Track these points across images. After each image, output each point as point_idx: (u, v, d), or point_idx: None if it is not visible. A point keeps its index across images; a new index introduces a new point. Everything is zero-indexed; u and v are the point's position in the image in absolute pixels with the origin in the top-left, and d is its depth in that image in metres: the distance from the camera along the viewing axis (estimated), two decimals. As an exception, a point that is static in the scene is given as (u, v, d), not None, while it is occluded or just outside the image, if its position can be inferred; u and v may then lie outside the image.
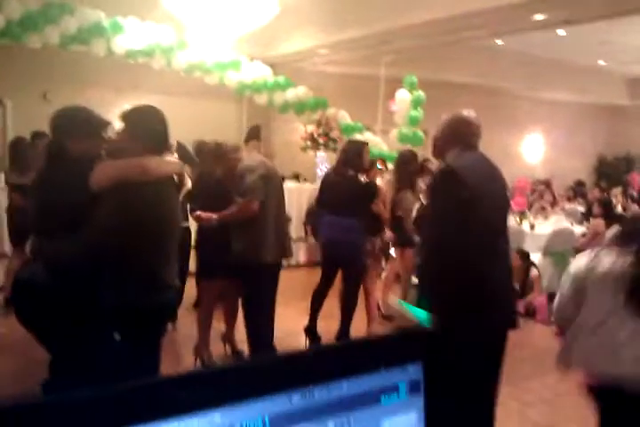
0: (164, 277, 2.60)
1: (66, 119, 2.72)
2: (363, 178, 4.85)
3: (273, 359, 0.73)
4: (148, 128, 2.60)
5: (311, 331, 4.97)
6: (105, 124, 2.78)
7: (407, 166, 5.60)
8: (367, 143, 5.30)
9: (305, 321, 5.05)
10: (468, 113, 2.75)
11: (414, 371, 0.83)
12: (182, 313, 5.36)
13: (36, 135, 5.61)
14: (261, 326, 3.99)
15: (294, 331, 5.02)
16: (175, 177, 2.79)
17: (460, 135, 2.67)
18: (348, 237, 4.70)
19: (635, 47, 10.26)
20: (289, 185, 7.66)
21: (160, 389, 0.64)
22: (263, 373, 0.70)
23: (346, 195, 4.72)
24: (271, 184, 3.93)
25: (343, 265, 4.85)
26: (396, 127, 8.68)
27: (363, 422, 0.80)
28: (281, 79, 8.44)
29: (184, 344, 4.85)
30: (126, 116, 2.63)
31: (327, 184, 5.03)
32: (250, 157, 4.03)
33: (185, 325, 5.21)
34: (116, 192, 2.43)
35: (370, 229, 4.90)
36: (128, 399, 0.62)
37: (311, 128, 9.70)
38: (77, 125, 2.68)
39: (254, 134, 4.36)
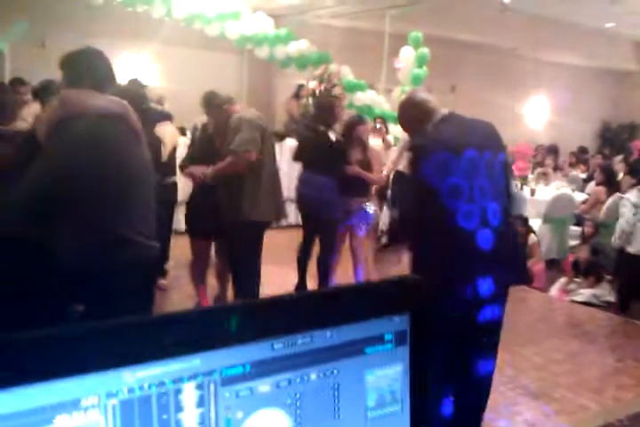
0: (119, 232, 2.32)
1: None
2: (334, 135, 4.70)
3: (255, 305, 0.70)
4: (81, 66, 2.42)
5: (302, 290, 4.98)
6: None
7: None
8: (340, 98, 5.17)
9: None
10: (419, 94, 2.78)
11: (401, 322, 0.81)
12: (179, 272, 5.37)
13: (16, 81, 5.52)
14: (248, 284, 3.96)
15: (290, 290, 5.04)
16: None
17: (416, 115, 2.68)
18: (319, 195, 4.61)
19: (646, 10, 10.02)
20: (288, 143, 7.57)
21: (142, 331, 0.61)
22: (245, 318, 0.67)
23: (316, 151, 4.63)
24: (267, 141, 3.83)
25: (316, 223, 4.79)
26: (399, 86, 8.53)
27: (347, 372, 0.77)
28: (282, 32, 8.25)
29: (179, 304, 4.85)
30: (66, 56, 2.46)
31: (300, 139, 4.97)
32: (247, 112, 3.93)
33: (182, 283, 5.22)
34: (49, 134, 2.26)
35: (346, 189, 4.72)
36: (110, 341, 0.59)
37: (313, 84, 9.56)
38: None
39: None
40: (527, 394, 3.66)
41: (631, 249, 5.13)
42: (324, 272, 4.84)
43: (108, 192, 2.29)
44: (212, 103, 3.99)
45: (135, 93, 3.86)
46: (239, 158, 3.69)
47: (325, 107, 4.80)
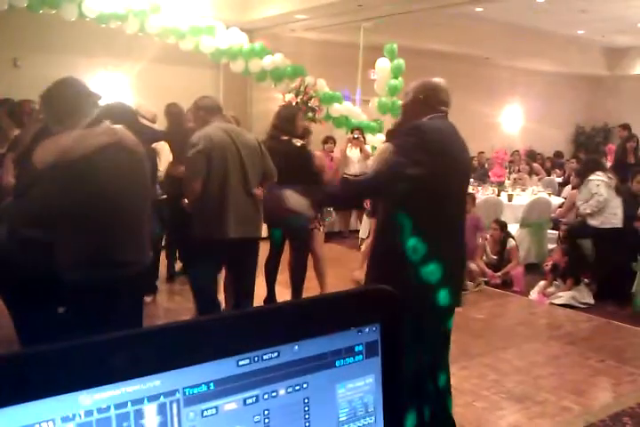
0: (111, 254, 2.48)
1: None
2: (297, 142, 4.73)
3: (217, 320, 0.69)
4: (63, 105, 2.48)
5: (271, 302, 4.95)
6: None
7: None
8: (301, 109, 5.21)
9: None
10: (439, 80, 2.71)
11: (371, 332, 0.80)
12: (160, 287, 5.32)
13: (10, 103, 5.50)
14: (203, 299, 3.98)
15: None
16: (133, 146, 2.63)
17: (430, 102, 2.62)
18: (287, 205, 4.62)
19: (613, 17, 10.22)
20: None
21: (95, 352, 0.59)
22: (207, 334, 0.66)
23: (281, 161, 4.59)
24: (215, 158, 3.71)
25: (288, 233, 4.80)
26: (375, 97, 8.59)
27: (317, 386, 0.76)
28: (257, 46, 8.28)
29: (163, 318, 4.80)
30: (42, 98, 2.54)
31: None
32: (199, 132, 3.83)
33: (164, 298, 5.17)
34: (50, 170, 2.39)
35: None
36: (63, 363, 0.57)
37: (290, 97, 9.58)
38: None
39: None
40: (510, 398, 3.66)
41: (594, 222, 5.88)
42: (301, 279, 4.85)
43: (104, 219, 2.44)
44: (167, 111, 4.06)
45: (130, 117, 3.85)
46: (185, 189, 3.86)
47: (287, 117, 4.80)
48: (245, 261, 4.00)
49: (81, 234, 2.42)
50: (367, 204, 5.79)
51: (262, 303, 4.93)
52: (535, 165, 10.42)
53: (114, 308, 2.47)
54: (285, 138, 4.69)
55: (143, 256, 2.63)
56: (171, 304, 5.10)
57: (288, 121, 4.74)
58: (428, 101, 2.63)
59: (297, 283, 4.90)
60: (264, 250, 5.03)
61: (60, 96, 2.49)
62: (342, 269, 6.22)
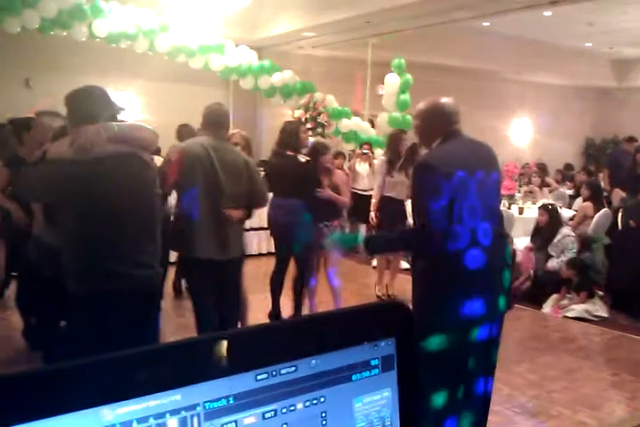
0: (111, 265, 2.41)
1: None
2: (303, 158, 4.75)
3: (236, 336, 0.70)
4: (78, 107, 2.51)
5: (276, 316, 4.95)
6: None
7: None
8: (303, 123, 5.23)
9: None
10: (446, 101, 2.69)
11: (387, 347, 0.81)
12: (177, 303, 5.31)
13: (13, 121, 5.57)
14: (198, 318, 3.82)
15: (263, 320, 4.95)
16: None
17: (437, 128, 2.64)
18: (292, 219, 4.60)
19: (621, 29, 10.23)
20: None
21: (117, 367, 0.61)
22: (226, 349, 0.67)
23: (286, 175, 4.63)
24: (184, 174, 3.52)
25: (290, 248, 4.77)
26: (383, 112, 8.63)
27: (334, 399, 0.77)
28: (266, 63, 8.36)
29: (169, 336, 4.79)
30: (65, 98, 2.56)
31: (269, 166, 4.95)
32: (189, 141, 3.75)
33: (170, 314, 5.16)
34: (58, 168, 2.45)
35: (321, 212, 4.69)
36: (86, 378, 0.58)
37: (299, 113, 9.65)
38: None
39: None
40: (524, 413, 3.62)
41: None
42: (300, 296, 4.83)
43: (104, 226, 2.40)
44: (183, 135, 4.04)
45: None
46: None
47: (290, 132, 4.82)
48: (224, 278, 3.76)
49: (80, 240, 2.40)
50: (373, 218, 5.81)
51: (267, 318, 4.94)
52: (548, 179, 10.41)
53: (117, 322, 2.39)
54: (291, 153, 4.71)
55: (149, 270, 2.55)
56: (183, 320, 5.09)
57: (290, 136, 4.76)
58: (436, 126, 2.66)
59: (297, 299, 4.89)
60: (270, 264, 5.04)
61: (78, 98, 2.52)
62: (353, 283, 6.20)
